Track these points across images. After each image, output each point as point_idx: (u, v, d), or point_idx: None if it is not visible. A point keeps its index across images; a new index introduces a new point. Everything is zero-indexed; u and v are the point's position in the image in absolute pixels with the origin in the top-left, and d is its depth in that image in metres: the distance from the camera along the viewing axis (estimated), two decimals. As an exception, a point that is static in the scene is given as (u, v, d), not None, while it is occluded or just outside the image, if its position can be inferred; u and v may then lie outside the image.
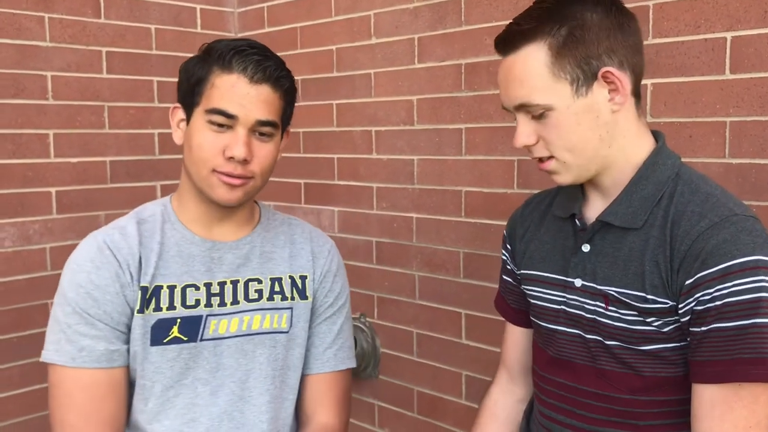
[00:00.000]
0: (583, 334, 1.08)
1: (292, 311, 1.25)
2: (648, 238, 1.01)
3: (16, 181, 2.37)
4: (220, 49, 1.13)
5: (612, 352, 1.05)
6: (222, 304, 1.18)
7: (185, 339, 1.16)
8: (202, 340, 1.17)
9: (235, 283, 1.21)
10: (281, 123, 1.18)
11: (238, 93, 1.10)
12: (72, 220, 2.49)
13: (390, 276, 2.48)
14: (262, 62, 1.12)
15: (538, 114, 1.02)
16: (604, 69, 1.00)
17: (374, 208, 2.50)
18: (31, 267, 2.38)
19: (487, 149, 2.15)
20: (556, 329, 1.13)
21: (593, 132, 1.01)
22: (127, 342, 1.16)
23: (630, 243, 1.03)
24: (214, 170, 1.12)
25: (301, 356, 1.27)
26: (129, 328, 1.15)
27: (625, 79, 1.01)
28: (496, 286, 2.20)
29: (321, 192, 2.68)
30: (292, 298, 1.25)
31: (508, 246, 1.26)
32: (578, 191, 1.12)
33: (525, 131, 1.04)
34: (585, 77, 1.00)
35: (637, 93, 1.06)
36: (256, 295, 1.22)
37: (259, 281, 1.23)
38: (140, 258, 1.16)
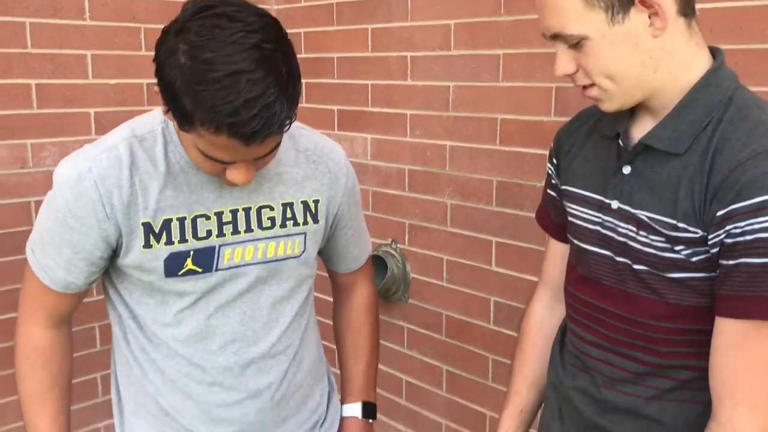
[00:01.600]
0: (613, 257, 1.08)
1: (305, 236, 1.23)
2: (688, 164, 0.99)
3: (56, 101, 2.41)
4: (207, 104, 0.89)
5: (639, 276, 1.04)
6: (235, 232, 1.15)
7: (200, 270, 1.14)
8: (217, 270, 1.15)
9: (247, 210, 1.16)
10: None
11: (231, 150, 0.96)
12: (110, 141, 2.53)
13: (422, 204, 2.49)
14: (260, 131, 0.91)
15: (574, 43, 0.99)
16: None
17: (407, 135, 2.49)
18: (72, 186, 2.43)
19: (525, 76, 2.11)
20: (588, 249, 1.13)
21: (634, 59, 0.98)
22: (93, 276, 1.15)
23: (670, 168, 1.01)
24: (217, 175, 1.08)
25: (311, 272, 1.30)
26: (104, 260, 1.13)
27: (664, 1, 0.96)
28: (529, 214, 2.24)
29: (354, 119, 2.68)
30: (305, 223, 1.22)
31: (554, 160, 1.24)
32: (627, 110, 1.09)
33: (563, 60, 1.02)
34: (620, 3, 0.95)
35: (688, 11, 1.00)
36: (269, 223, 1.18)
37: (271, 208, 1.18)
38: (132, 188, 1.07)
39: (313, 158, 1.24)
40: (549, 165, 1.27)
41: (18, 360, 1.21)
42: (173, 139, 1.11)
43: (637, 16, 0.96)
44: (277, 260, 1.21)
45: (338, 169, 1.28)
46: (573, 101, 2.01)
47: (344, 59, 2.64)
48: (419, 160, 2.47)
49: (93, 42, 2.46)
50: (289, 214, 1.20)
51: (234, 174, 1.02)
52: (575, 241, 1.17)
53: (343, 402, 1.44)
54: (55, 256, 1.11)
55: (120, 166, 1.08)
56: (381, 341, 2.72)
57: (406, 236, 2.56)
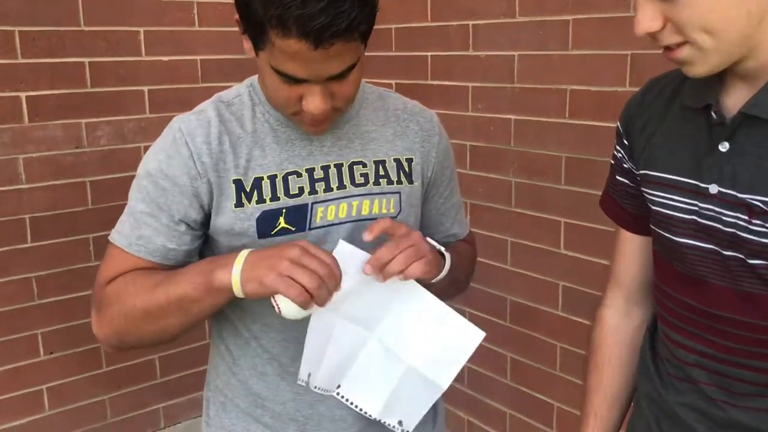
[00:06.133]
0: (719, 251, 0.93)
1: (400, 195, 1.18)
2: None
3: (109, 80, 2.38)
4: (274, 1, 0.92)
5: (757, 272, 0.89)
6: (328, 189, 1.12)
7: (293, 229, 1.10)
8: (310, 229, 1.11)
9: (339, 166, 1.13)
10: (363, 46, 1.03)
11: (302, 58, 0.95)
12: (165, 120, 2.45)
13: (484, 182, 2.39)
14: (328, 26, 0.91)
15: None
16: None
17: (469, 109, 2.39)
18: (127, 165, 2.42)
19: (596, 43, 1.99)
20: (683, 242, 0.97)
21: (739, 8, 0.83)
22: (193, 244, 1.11)
23: None
24: (294, 114, 1.04)
25: None
26: (201, 224, 1.11)
27: None
28: (600, 193, 2.07)
29: (413, 93, 2.55)
30: (399, 182, 1.17)
31: (625, 141, 1.08)
32: (715, 76, 0.94)
33: (648, 14, 0.86)
34: None
35: None
36: (362, 180, 1.14)
37: (364, 164, 1.15)
38: (221, 146, 1.08)
39: (403, 117, 1.22)
40: (618, 147, 1.11)
41: (124, 300, 1.10)
42: (261, 100, 1.13)
43: None
44: (372, 218, 1.15)
45: (430, 128, 1.23)
46: (651, 70, 1.84)
47: (402, 30, 2.55)
48: (482, 136, 2.37)
49: (145, 18, 2.42)
50: (382, 172, 1.17)
51: (309, 101, 1.00)
52: (665, 234, 1.01)
53: None
54: (153, 223, 1.09)
55: (208, 125, 1.09)
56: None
57: (468, 216, 2.45)
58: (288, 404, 1.17)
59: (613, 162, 1.13)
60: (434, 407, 1.35)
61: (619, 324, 1.18)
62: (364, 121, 1.17)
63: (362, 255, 1.03)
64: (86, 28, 2.31)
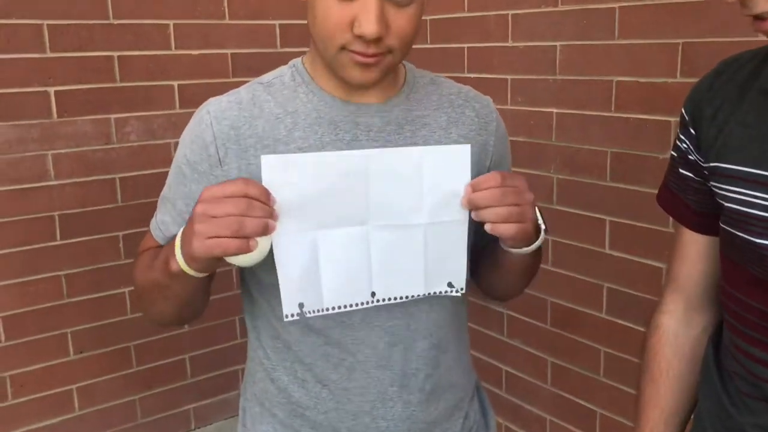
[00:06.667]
0: None
1: None
2: None
3: (138, 74, 2.34)
4: None
5: None
6: None
7: None
8: None
9: None
10: None
11: None
12: (194, 115, 2.45)
13: (525, 178, 2.28)
14: None
15: None
16: None
17: (508, 103, 2.30)
18: (156, 162, 2.37)
19: (645, 32, 1.88)
20: (765, 244, 0.87)
21: None
22: None
23: None
24: (343, 48, 0.95)
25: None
26: None
27: None
28: (649, 190, 1.99)
29: (449, 86, 2.49)
30: None
31: (691, 130, 0.98)
32: None
33: None
34: None
35: None
36: None
37: None
38: (252, 130, 1.02)
39: (457, 102, 1.13)
40: (682, 137, 1.01)
41: (135, 276, 1.12)
42: (304, 79, 1.07)
43: None
44: None
45: (487, 114, 1.15)
46: (703, 59, 1.76)
47: (438, 21, 2.47)
48: (522, 131, 2.27)
49: (175, 11, 2.37)
50: None
51: (363, 21, 0.91)
52: (741, 234, 0.91)
53: None
54: (171, 210, 1.07)
55: (239, 108, 1.04)
56: (478, 327, 2.55)
57: (506, 214, 2.36)
58: (330, 414, 1.09)
59: (675, 153, 1.03)
60: (484, 415, 1.27)
61: (678, 332, 1.08)
62: (415, 105, 1.09)
63: (296, 158, 0.96)
64: (115, 22, 2.26)
